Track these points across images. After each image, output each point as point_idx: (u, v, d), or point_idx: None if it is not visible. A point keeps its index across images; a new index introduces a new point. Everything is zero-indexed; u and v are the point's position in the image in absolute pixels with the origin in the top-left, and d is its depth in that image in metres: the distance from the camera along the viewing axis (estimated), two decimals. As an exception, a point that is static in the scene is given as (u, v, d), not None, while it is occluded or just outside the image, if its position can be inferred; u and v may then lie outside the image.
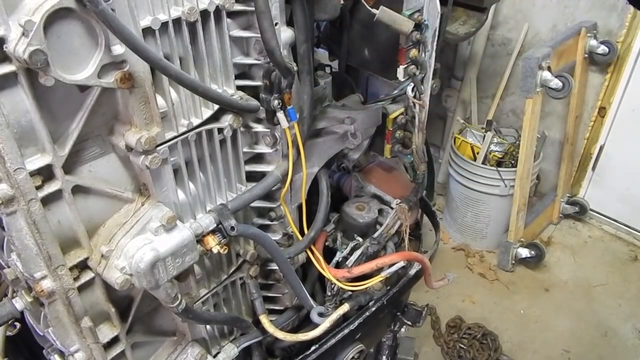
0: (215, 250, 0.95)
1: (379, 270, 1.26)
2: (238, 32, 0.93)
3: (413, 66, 1.19)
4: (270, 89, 0.94)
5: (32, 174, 0.74)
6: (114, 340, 0.97)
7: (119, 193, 0.88)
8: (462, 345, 2.49)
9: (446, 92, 3.13)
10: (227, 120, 0.95)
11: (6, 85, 0.68)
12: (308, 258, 1.24)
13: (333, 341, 1.23)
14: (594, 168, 3.09)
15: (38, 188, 0.75)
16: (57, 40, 0.66)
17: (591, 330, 2.60)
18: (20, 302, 0.91)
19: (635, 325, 2.61)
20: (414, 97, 1.23)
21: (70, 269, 0.85)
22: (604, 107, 2.76)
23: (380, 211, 1.29)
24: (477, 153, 2.79)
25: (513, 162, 2.71)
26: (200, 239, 0.94)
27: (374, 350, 1.64)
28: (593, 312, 2.70)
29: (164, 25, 0.79)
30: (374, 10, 1.06)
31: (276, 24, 0.90)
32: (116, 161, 0.87)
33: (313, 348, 1.23)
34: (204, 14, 0.84)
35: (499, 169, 2.68)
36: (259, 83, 0.97)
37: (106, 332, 0.96)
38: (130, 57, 0.74)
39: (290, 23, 0.96)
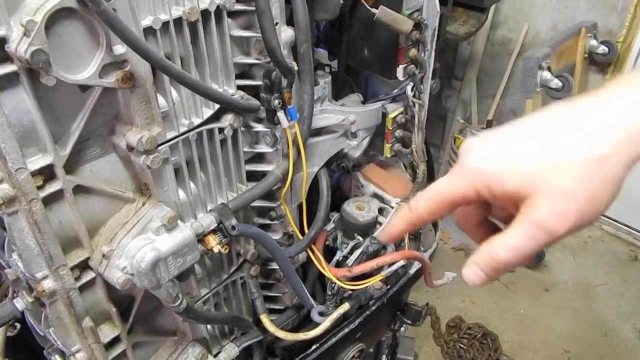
0: (216, 250, 0.95)
1: (379, 269, 1.26)
2: (239, 32, 0.93)
3: (412, 65, 1.19)
4: (271, 88, 0.94)
5: (34, 174, 0.74)
6: (115, 340, 0.97)
7: (120, 193, 0.88)
8: (462, 345, 2.49)
9: (446, 92, 3.13)
10: (228, 119, 0.95)
11: (8, 85, 0.68)
12: (308, 257, 1.24)
13: (333, 340, 1.23)
14: (593, 168, 3.09)
15: (39, 188, 0.75)
16: (58, 40, 0.67)
17: (591, 330, 2.60)
18: (21, 303, 0.91)
19: (635, 325, 2.61)
20: (414, 96, 1.23)
21: (72, 269, 0.85)
22: (604, 107, 2.76)
23: (380, 210, 1.29)
24: (477, 153, 2.79)
25: (513, 162, 2.71)
26: (201, 238, 0.94)
27: (373, 349, 1.64)
28: (593, 312, 2.70)
29: (165, 25, 0.79)
30: (373, 10, 1.06)
31: (276, 23, 0.91)
32: (117, 161, 0.87)
33: (313, 347, 1.23)
34: (205, 13, 0.84)
35: (499, 168, 2.68)
36: (259, 83, 0.97)
37: (107, 332, 0.95)
38: (132, 56, 0.74)
39: (290, 23, 0.96)
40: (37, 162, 0.74)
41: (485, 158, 0.50)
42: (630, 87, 0.46)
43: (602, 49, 2.56)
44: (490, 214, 0.58)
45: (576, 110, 0.47)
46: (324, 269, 1.21)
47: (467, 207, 0.57)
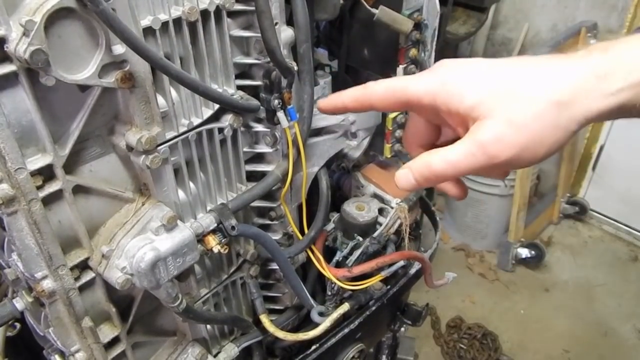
0: (215, 250, 0.95)
1: (379, 269, 1.26)
2: (238, 32, 0.93)
3: (412, 66, 1.19)
4: (271, 88, 0.94)
5: (33, 174, 0.74)
6: (115, 340, 0.97)
7: (120, 193, 0.88)
8: (462, 345, 2.50)
9: (446, 92, 3.13)
10: (228, 119, 0.95)
11: (7, 85, 0.68)
12: (308, 257, 1.24)
13: (333, 340, 1.23)
14: (594, 168, 3.10)
15: (39, 188, 0.75)
16: (57, 40, 0.66)
17: (591, 330, 2.60)
18: (20, 303, 0.91)
19: (635, 325, 2.62)
20: (414, 96, 1.23)
21: (71, 269, 0.85)
22: (604, 107, 2.76)
23: (380, 210, 1.29)
24: (477, 153, 2.79)
25: (513, 162, 2.71)
26: (200, 238, 0.94)
27: (373, 349, 1.64)
28: (593, 312, 2.70)
29: (165, 25, 0.79)
30: (373, 10, 1.06)
31: (276, 23, 0.91)
32: (117, 161, 0.87)
33: (313, 347, 1.23)
34: (205, 13, 0.84)
35: (499, 168, 2.68)
36: (259, 83, 0.97)
37: (107, 332, 0.95)
38: (131, 56, 0.74)
39: (290, 22, 0.96)
40: (37, 162, 0.74)
41: (454, 73, 0.52)
42: (597, 52, 0.49)
43: (603, 49, 2.55)
44: (437, 140, 0.60)
45: (549, 61, 0.50)
46: (323, 269, 1.21)
47: (418, 125, 0.60)
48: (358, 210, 1.26)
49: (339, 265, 1.26)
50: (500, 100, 0.48)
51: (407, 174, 0.54)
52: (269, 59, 0.91)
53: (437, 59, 1.24)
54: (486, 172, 0.53)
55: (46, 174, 0.76)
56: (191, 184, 0.97)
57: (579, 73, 0.47)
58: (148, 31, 0.77)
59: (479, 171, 0.51)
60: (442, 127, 0.59)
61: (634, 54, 0.46)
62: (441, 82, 0.52)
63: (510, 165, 0.49)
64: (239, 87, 0.96)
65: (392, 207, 1.30)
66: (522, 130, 0.47)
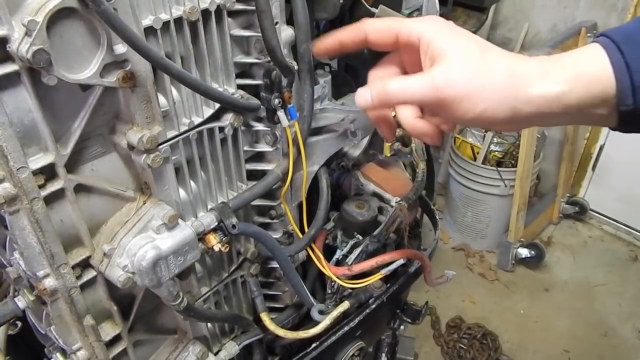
0: (216, 249, 0.95)
1: (379, 267, 1.26)
2: (239, 31, 0.93)
3: (413, 65, 1.19)
4: (271, 87, 0.94)
5: (35, 173, 0.74)
6: (116, 339, 0.98)
7: (121, 192, 0.88)
8: (462, 345, 2.50)
9: (446, 92, 3.13)
10: (228, 119, 0.95)
11: (9, 85, 0.68)
12: (308, 256, 1.24)
13: (333, 338, 1.24)
14: (594, 168, 3.10)
15: (41, 187, 0.76)
16: (59, 39, 0.67)
17: (591, 330, 2.60)
18: (22, 301, 0.91)
19: (635, 325, 2.62)
20: (414, 96, 1.23)
21: (73, 267, 0.85)
22: (604, 107, 2.76)
23: (380, 209, 1.29)
24: (477, 153, 2.80)
25: (513, 162, 2.72)
26: (201, 237, 0.95)
27: (373, 348, 1.65)
28: (593, 312, 2.71)
29: (166, 24, 0.79)
30: (373, 9, 1.07)
31: (276, 23, 0.91)
32: (118, 160, 0.87)
33: (313, 345, 1.23)
34: (205, 13, 0.84)
35: (499, 169, 2.69)
36: (259, 82, 0.97)
37: (108, 331, 0.96)
38: (132, 56, 0.74)
39: (290, 22, 0.96)
40: (39, 161, 0.75)
41: (444, 22, 0.61)
42: (544, 56, 0.57)
43: (602, 48, 2.56)
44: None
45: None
46: (323, 267, 1.22)
47: (389, 70, 0.70)
48: (358, 208, 1.27)
49: (339, 263, 1.26)
50: (466, 53, 0.57)
51: (365, 94, 0.62)
52: (269, 59, 0.92)
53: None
54: (430, 124, 0.61)
55: (48, 173, 0.77)
56: (192, 183, 0.97)
57: (531, 62, 0.56)
58: (149, 31, 0.78)
59: (425, 105, 0.60)
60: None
61: (570, 57, 0.55)
62: (431, 20, 0.61)
63: (450, 107, 0.56)
64: (240, 87, 0.97)
65: (391, 206, 1.30)
66: (470, 80, 0.55)
